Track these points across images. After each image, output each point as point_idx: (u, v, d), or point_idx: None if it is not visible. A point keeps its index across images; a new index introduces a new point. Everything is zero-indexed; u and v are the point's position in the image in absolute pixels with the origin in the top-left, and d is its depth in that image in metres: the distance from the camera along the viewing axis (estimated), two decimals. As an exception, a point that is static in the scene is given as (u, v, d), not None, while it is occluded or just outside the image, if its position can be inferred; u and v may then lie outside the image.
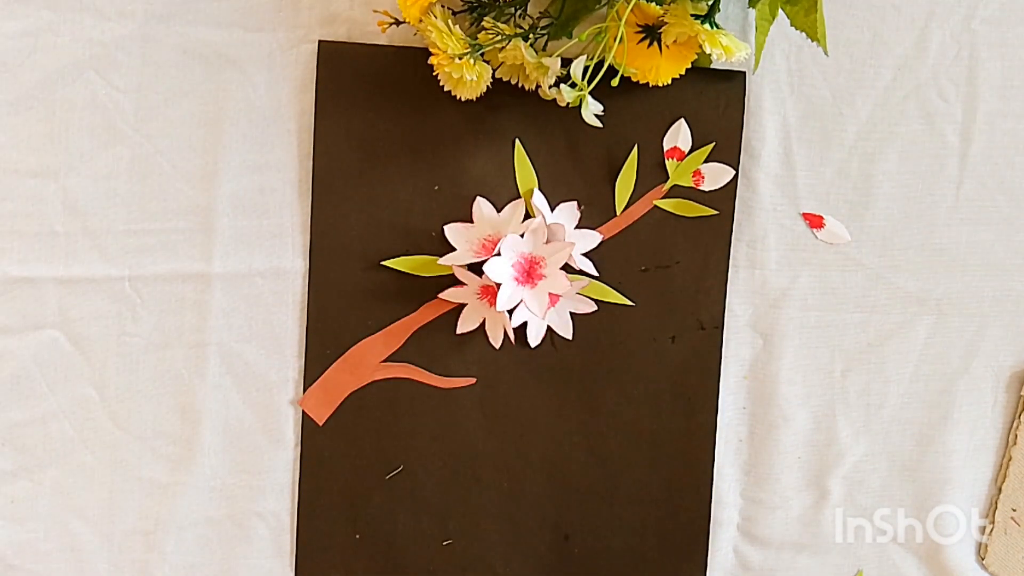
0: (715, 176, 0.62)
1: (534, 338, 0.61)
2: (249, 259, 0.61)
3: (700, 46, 0.54)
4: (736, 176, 0.62)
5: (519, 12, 0.56)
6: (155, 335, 0.61)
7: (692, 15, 0.54)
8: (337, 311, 0.62)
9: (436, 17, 0.53)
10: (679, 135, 0.61)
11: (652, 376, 0.63)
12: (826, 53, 0.54)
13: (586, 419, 0.63)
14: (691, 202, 0.62)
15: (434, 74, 0.55)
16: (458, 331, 0.62)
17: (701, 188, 0.62)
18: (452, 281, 0.60)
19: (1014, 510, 0.66)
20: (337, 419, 0.62)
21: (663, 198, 0.62)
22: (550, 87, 0.56)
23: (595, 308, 0.62)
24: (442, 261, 0.60)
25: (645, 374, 0.63)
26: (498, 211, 0.61)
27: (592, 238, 0.61)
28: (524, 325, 0.60)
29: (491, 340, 0.62)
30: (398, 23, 0.57)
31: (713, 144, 0.62)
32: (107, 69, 0.59)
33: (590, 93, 0.55)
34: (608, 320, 0.62)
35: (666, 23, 0.55)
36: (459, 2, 0.57)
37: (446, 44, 0.53)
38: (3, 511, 0.62)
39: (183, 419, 0.62)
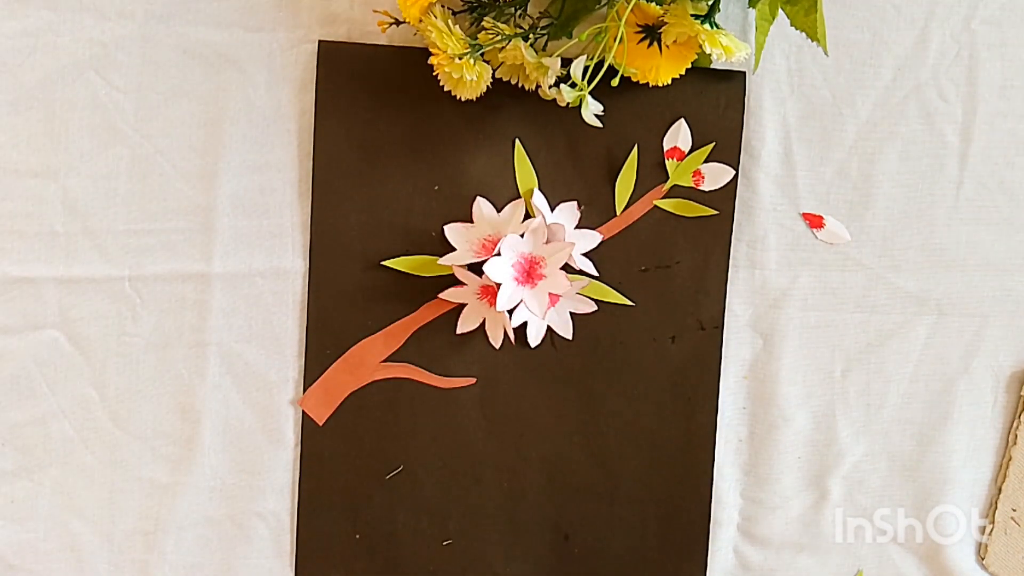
0: (715, 176, 0.62)
1: (534, 338, 0.61)
2: (249, 259, 0.61)
3: (700, 46, 0.54)
4: (736, 176, 0.62)
5: (519, 12, 0.56)
6: (155, 335, 0.61)
7: (692, 15, 0.54)
8: (337, 311, 0.62)
9: (436, 17, 0.53)
10: (679, 135, 0.61)
11: (652, 376, 0.63)
12: (826, 53, 0.54)
13: (586, 419, 0.63)
14: (691, 202, 0.62)
15: (434, 74, 0.55)
16: (458, 331, 0.62)
17: (701, 188, 0.62)
18: (452, 281, 0.60)
19: (1014, 510, 0.66)
20: (337, 419, 0.62)
21: (663, 198, 0.62)
22: (550, 87, 0.56)
23: (595, 308, 0.62)
24: (442, 261, 0.60)
25: (645, 374, 0.63)
26: (498, 211, 0.61)
27: (592, 238, 0.61)
28: (524, 325, 0.60)
29: (491, 340, 0.62)
30: (398, 23, 0.57)
31: (713, 144, 0.62)
32: (107, 69, 0.59)
33: (590, 93, 0.55)
34: (608, 320, 0.62)
35: (666, 23, 0.55)
36: (459, 2, 0.57)
37: (446, 44, 0.53)
38: (3, 511, 0.62)
39: (183, 419, 0.62)
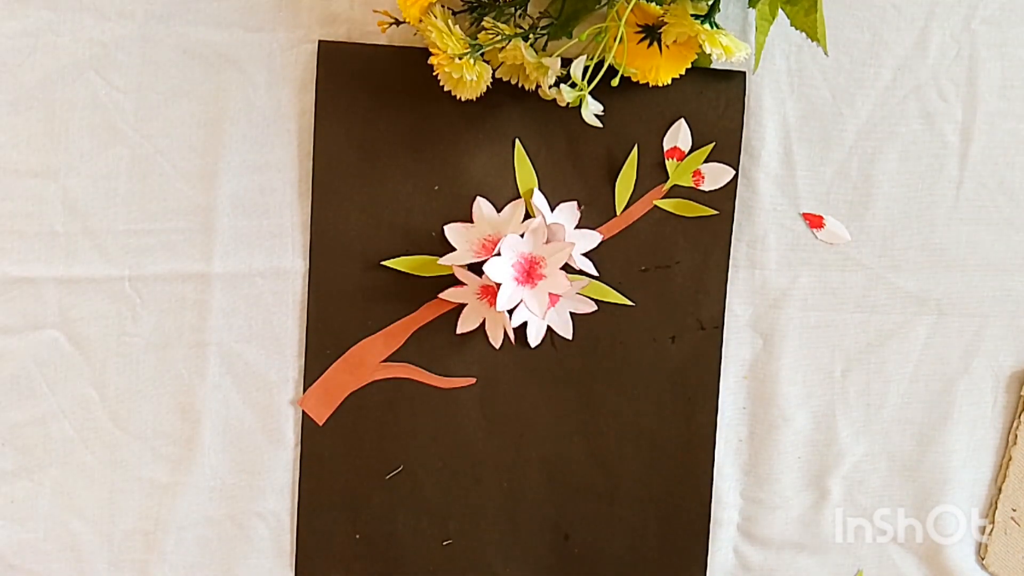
0: (715, 176, 0.62)
1: (534, 338, 0.61)
2: (249, 259, 0.61)
3: (700, 46, 0.54)
4: (736, 176, 0.62)
5: (519, 12, 0.56)
6: (155, 335, 0.61)
7: (692, 15, 0.54)
8: (337, 311, 0.62)
9: (436, 17, 0.53)
10: (679, 135, 0.61)
11: (652, 376, 0.63)
12: (826, 53, 0.54)
13: (586, 419, 0.63)
14: (691, 202, 0.62)
15: (434, 74, 0.55)
16: (458, 331, 0.62)
17: (701, 188, 0.62)
18: (452, 281, 0.60)
19: (1014, 510, 0.66)
20: (337, 419, 0.62)
21: (663, 198, 0.62)
22: (550, 87, 0.56)
23: (595, 308, 0.62)
24: (442, 261, 0.60)
25: (645, 374, 0.63)
26: (498, 211, 0.61)
27: (592, 238, 0.61)
28: (524, 325, 0.60)
29: (491, 340, 0.62)
30: (398, 23, 0.57)
31: (713, 144, 0.62)
32: (107, 69, 0.59)
33: (590, 93, 0.55)
34: (608, 320, 0.62)
35: (666, 23, 0.55)
36: (459, 2, 0.57)
37: (446, 44, 0.53)
38: (3, 511, 0.62)
39: (183, 419, 0.62)
